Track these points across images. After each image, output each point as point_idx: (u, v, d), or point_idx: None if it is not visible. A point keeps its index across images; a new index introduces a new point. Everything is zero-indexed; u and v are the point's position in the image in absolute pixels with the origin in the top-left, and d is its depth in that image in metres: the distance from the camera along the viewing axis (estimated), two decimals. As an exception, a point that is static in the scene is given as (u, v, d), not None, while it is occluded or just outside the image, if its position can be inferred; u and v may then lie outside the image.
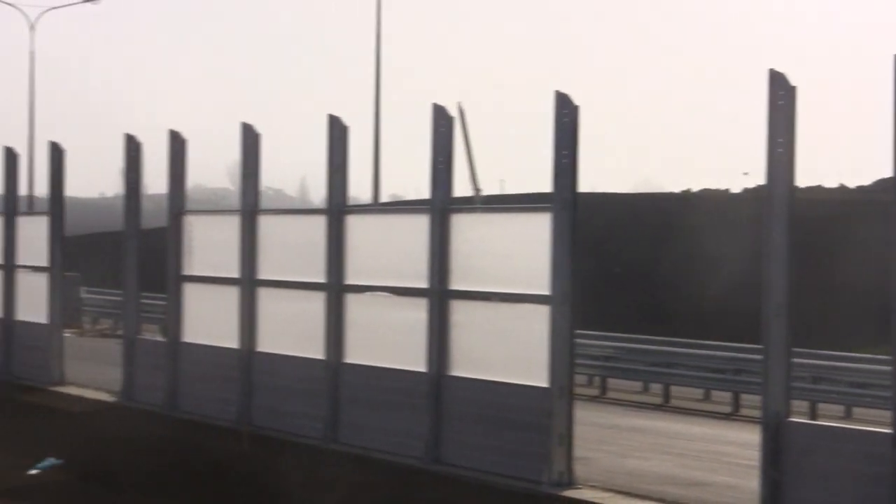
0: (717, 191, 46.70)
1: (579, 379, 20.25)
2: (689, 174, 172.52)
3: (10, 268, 22.37)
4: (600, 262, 31.31)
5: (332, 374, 15.32)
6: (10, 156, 22.55)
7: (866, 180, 50.54)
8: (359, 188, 52.18)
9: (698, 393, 24.39)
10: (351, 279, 15.32)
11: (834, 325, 32.91)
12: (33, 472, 16.36)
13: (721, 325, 29.42)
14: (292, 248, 16.50)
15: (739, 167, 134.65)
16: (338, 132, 15.44)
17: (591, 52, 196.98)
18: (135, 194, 19.28)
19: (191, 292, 18.10)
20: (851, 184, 51.07)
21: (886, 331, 10.24)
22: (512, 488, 12.67)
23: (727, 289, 34.44)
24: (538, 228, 12.83)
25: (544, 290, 12.64)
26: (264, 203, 17.48)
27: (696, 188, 48.16)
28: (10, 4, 56.71)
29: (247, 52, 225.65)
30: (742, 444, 17.65)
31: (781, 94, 10.94)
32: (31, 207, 43.19)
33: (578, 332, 13.98)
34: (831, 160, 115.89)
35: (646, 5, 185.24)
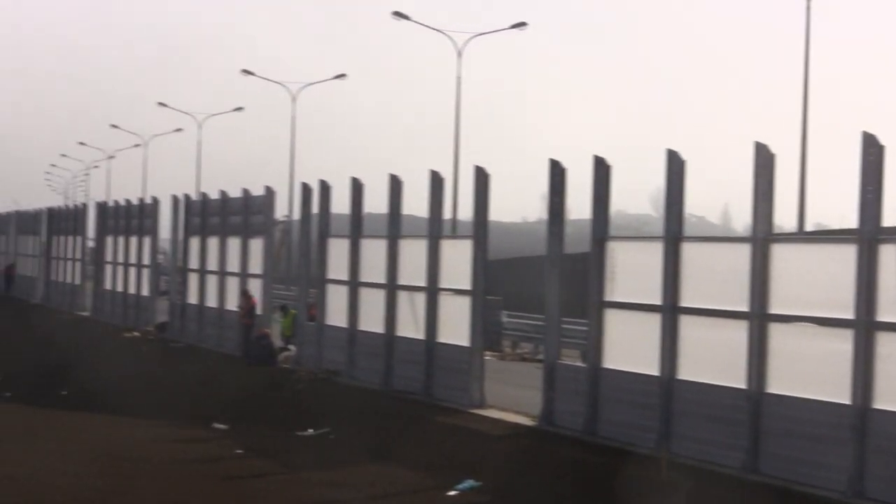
0: None
1: None
2: None
3: (434, 290, 25.61)
4: None
5: (754, 404, 17.23)
6: (436, 179, 25.91)
7: None
8: (783, 216, 53.42)
9: None
10: (774, 308, 17.23)
11: None
12: (452, 493, 18.56)
13: None
14: (714, 275, 18.58)
15: None
16: (763, 159, 17.37)
17: None
18: (558, 219, 21.94)
19: (612, 318, 20.56)
20: None
21: None
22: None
23: None
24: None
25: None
26: (686, 230, 19.59)
27: None
28: (438, 31, 62.40)
29: (669, 77, 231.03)
30: None
31: None
32: (455, 231, 47.49)
33: None
34: None
35: None
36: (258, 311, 34.50)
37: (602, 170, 20.77)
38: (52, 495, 16.97)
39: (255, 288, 34.85)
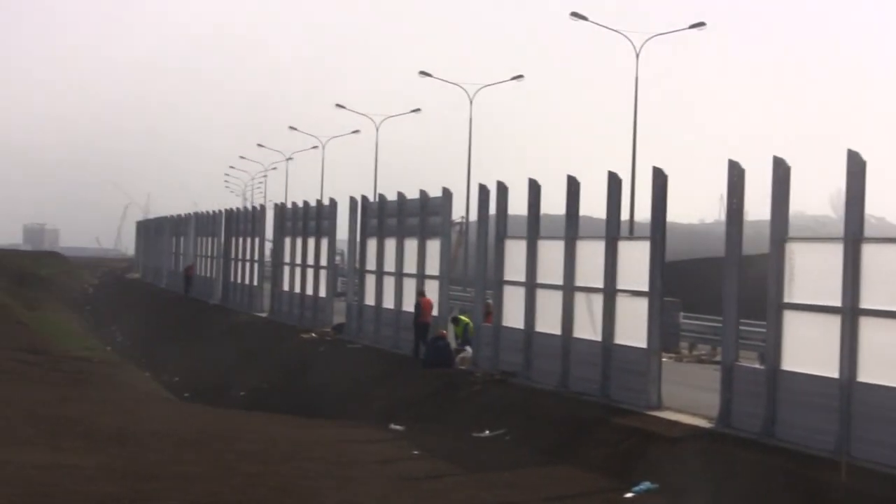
0: None
1: None
2: None
3: (611, 292, 26.30)
4: None
5: (935, 407, 17.55)
6: (614, 180, 26.61)
7: None
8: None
9: None
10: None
11: None
12: (629, 495, 19.30)
13: None
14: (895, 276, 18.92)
15: None
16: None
17: None
18: (737, 220, 22.41)
19: (791, 320, 21.00)
20: None
21: None
22: None
23: None
24: None
25: None
26: (866, 231, 19.91)
27: None
28: (616, 31, 63.10)
29: (849, 75, 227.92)
30: None
31: None
32: (632, 232, 48.14)
33: None
34: None
35: None
36: (435, 311, 35.55)
37: (781, 171, 21.19)
38: (229, 495, 17.85)
39: (433, 289, 35.92)
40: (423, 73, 79.19)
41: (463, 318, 36.45)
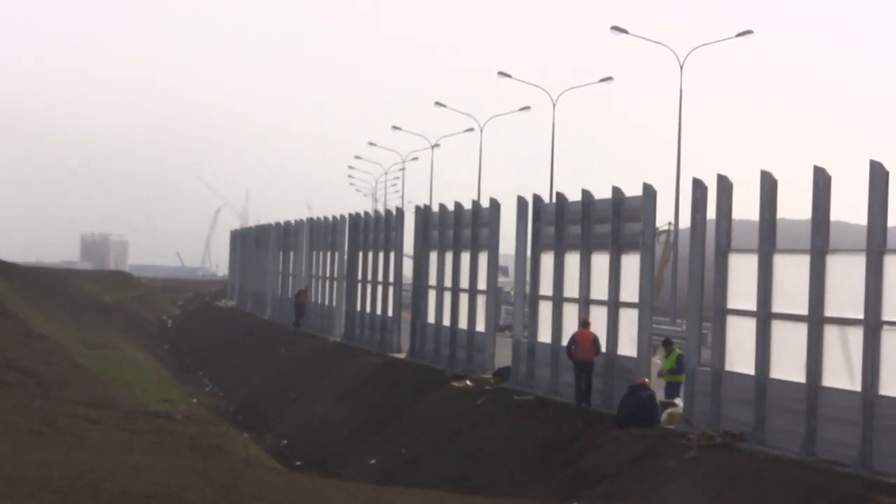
0: None
1: None
2: None
3: (874, 324, 26.32)
4: None
5: None
6: (877, 173, 26.66)
7: None
8: None
9: None
10: None
11: None
12: None
13: None
14: None
15: None
16: None
17: None
18: None
19: None
20: None
21: None
22: None
23: None
24: None
25: None
26: None
27: None
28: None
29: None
30: None
31: None
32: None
33: None
34: None
35: None
36: (632, 351, 35.90)
37: None
38: None
39: (631, 319, 36.23)
40: (616, 28, 79.03)
41: (678, 350, 36.55)
